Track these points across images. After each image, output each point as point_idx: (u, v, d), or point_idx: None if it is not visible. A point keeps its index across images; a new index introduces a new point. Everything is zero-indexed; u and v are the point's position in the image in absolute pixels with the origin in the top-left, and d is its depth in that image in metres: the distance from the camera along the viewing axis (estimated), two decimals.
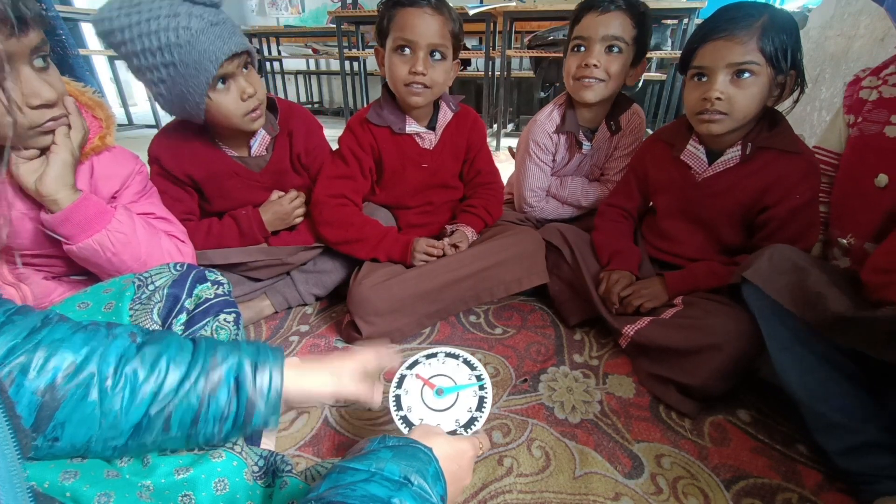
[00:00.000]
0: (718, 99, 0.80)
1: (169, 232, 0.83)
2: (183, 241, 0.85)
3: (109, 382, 0.41)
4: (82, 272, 0.81)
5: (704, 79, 0.83)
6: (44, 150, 0.65)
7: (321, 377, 0.52)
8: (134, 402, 0.42)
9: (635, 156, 1.11)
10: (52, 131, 0.63)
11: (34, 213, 0.69)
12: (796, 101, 0.85)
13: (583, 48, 1.05)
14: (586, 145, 1.18)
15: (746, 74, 0.79)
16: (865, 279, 0.67)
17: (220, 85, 0.85)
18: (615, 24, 1.01)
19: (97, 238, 0.69)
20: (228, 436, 0.47)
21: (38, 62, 0.58)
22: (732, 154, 0.89)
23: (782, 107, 0.87)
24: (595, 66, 1.03)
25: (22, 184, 0.65)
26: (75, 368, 0.40)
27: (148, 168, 0.89)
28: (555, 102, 1.19)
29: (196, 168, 0.99)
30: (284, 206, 1.07)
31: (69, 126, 0.65)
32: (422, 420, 0.55)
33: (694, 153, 0.94)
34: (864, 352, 0.60)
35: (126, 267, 0.72)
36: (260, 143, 1.03)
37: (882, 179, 0.78)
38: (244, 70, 0.88)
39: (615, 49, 1.03)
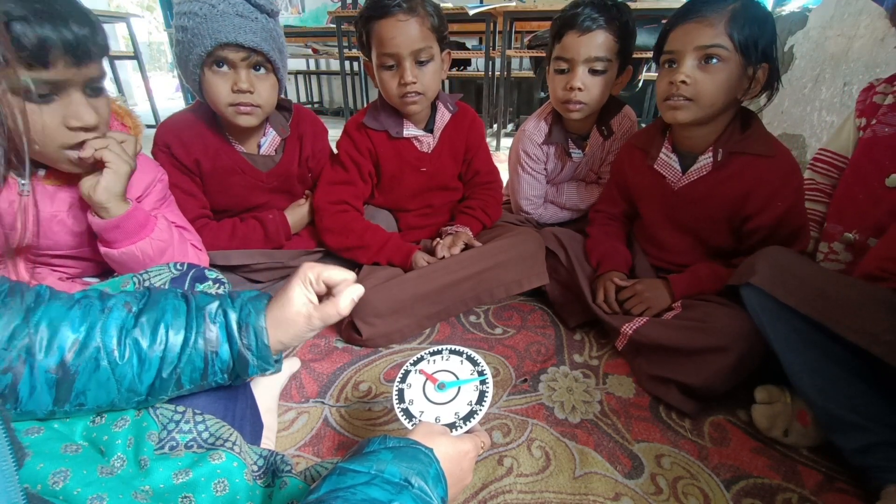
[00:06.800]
0: (684, 83, 0.80)
1: (189, 240, 0.85)
2: (200, 249, 0.87)
3: (116, 354, 0.44)
4: (96, 274, 0.83)
5: (674, 65, 0.83)
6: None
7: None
8: (144, 368, 0.45)
9: (614, 163, 1.10)
10: (86, 159, 0.65)
11: (65, 214, 0.72)
12: (770, 98, 0.84)
13: (566, 70, 1.03)
14: (576, 154, 1.17)
15: (714, 60, 0.79)
16: (878, 268, 0.67)
17: (217, 66, 0.86)
18: (597, 45, 0.98)
19: (140, 245, 0.72)
20: (235, 380, 0.52)
21: (90, 90, 0.62)
22: (704, 161, 0.88)
23: (757, 104, 0.86)
24: (580, 89, 1.01)
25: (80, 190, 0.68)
26: (80, 345, 0.43)
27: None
28: (541, 113, 1.18)
29: (204, 156, 0.97)
30: (305, 216, 1.11)
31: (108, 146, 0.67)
32: (422, 413, 0.55)
33: (667, 162, 0.93)
34: (867, 349, 0.60)
35: None
36: (269, 144, 1.03)
37: (894, 179, 0.79)
38: (255, 70, 0.88)
39: (599, 69, 1.01)
